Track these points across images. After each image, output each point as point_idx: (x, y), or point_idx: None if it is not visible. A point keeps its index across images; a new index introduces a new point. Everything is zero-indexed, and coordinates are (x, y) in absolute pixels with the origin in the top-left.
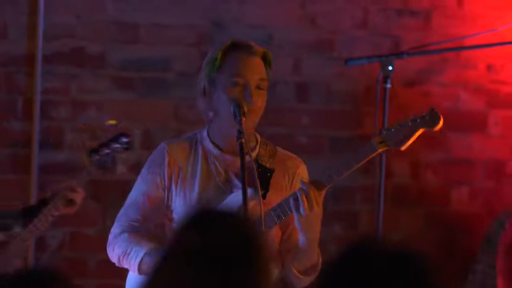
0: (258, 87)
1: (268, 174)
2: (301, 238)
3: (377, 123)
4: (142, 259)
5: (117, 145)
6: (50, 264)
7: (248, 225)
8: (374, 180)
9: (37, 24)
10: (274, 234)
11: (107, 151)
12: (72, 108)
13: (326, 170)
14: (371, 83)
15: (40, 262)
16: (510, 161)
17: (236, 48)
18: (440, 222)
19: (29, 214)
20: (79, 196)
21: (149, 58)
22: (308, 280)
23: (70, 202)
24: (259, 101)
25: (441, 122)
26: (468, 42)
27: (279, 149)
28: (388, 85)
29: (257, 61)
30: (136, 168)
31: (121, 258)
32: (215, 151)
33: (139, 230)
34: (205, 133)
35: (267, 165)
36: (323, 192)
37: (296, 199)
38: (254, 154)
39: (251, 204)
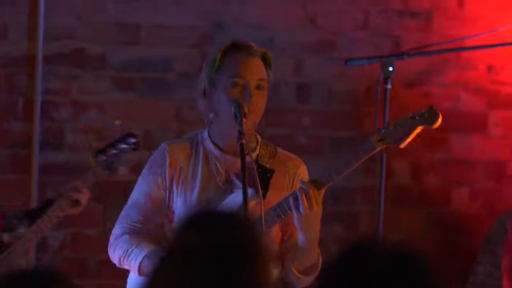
0: (257, 88)
1: (268, 175)
2: (300, 237)
3: (378, 124)
4: (142, 261)
5: (124, 146)
6: (51, 264)
7: (248, 225)
8: (375, 180)
9: (38, 25)
10: (274, 234)
11: (114, 151)
12: (72, 109)
13: (326, 170)
14: (371, 84)
15: (41, 262)
16: (511, 162)
17: (236, 48)
18: (441, 222)
19: (33, 215)
20: (84, 197)
21: (150, 59)
22: (308, 280)
23: (75, 203)
24: (259, 102)
25: (439, 120)
26: (469, 42)
27: (280, 149)
28: (389, 86)
29: (257, 62)
30: (137, 169)
31: (121, 259)
32: (215, 151)
33: (140, 232)
34: (206, 134)
35: (267, 166)
36: (323, 191)
37: (295, 198)
38: (254, 155)
39: (251, 204)
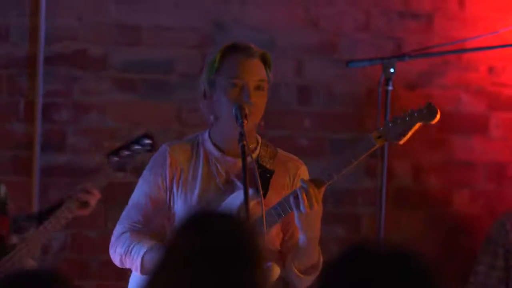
0: (257, 88)
1: (268, 175)
2: (301, 236)
3: (379, 126)
4: (144, 255)
5: (138, 147)
6: (52, 265)
7: (247, 226)
8: (376, 182)
9: (39, 26)
10: (275, 234)
11: (126, 153)
12: (74, 110)
13: (326, 168)
14: (372, 86)
15: (42, 263)
16: (511, 164)
17: (234, 50)
18: (442, 224)
19: (43, 216)
20: (94, 199)
21: (151, 60)
22: (309, 279)
23: (84, 204)
24: (259, 102)
25: (438, 116)
26: (470, 44)
27: (280, 150)
28: (390, 88)
29: (256, 62)
30: (138, 170)
31: (123, 257)
32: (216, 152)
33: (141, 231)
34: (206, 135)
35: (268, 166)
36: (323, 190)
37: (296, 197)
38: (254, 155)
39: (251, 204)
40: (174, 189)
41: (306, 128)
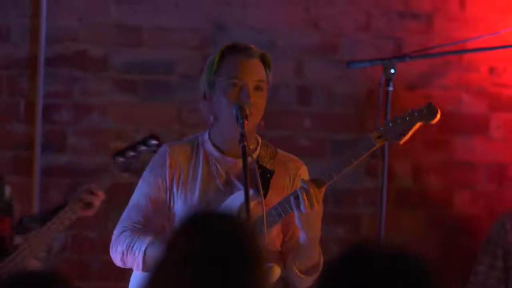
0: (256, 89)
1: (268, 175)
2: (302, 236)
3: (379, 126)
4: (146, 249)
5: (144, 148)
6: (53, 266)
7: (248, 226)
8: (377, 182)
9: (40, 27)
10: (275, 234)
11: (132, 153)
12: (74, 111)
13: (326, 168)
14: (373, 86)
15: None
16: None
17: (234, 50)
18: (442, 224)
19: (46, 217)
20: (98, 199)
21: (152, 61)
22: (310, 280)
23: (89, 205)
24: (258, 102)
25: (438, 115)
26: (471, 45)
27: (280, 151)
28: (390, 88)
29: (255, 63)
30: (138, 171)
31: (125, 254)
32: (216, 153)
33: (141, 230)
34: (206, 136)
35: (268, 166)
36: (323, 190)
37: (296, 197)
38: (254, 156)
39: (252, 204)
40: (174, 190)
41: (306, 129)
